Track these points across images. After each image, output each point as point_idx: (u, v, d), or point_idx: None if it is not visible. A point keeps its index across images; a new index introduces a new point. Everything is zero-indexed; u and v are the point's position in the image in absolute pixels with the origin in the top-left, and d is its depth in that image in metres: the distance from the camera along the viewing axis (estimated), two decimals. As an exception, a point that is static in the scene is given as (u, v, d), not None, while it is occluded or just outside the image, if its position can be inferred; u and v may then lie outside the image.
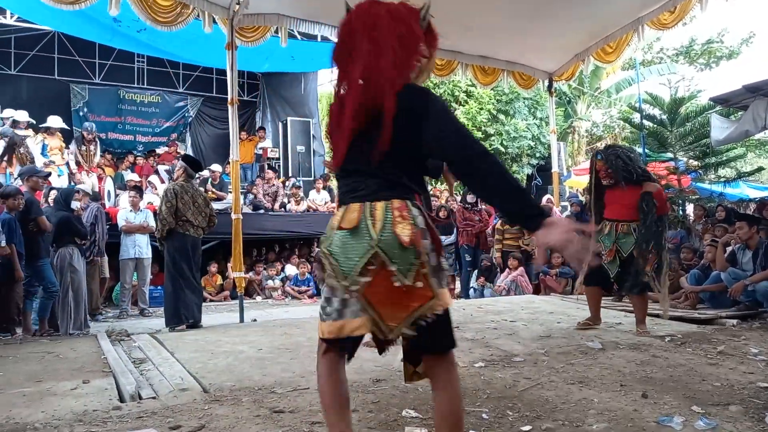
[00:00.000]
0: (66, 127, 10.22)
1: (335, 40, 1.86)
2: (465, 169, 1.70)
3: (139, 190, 8.94)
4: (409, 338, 1.74)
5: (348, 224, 1.71)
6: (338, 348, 1.83)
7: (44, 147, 9.26)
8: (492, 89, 14.55)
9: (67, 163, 9.63)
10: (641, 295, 4.72)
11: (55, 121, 9.60)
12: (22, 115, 9.23)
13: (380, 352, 1.90)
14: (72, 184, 8.69)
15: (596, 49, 8.24)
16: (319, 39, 10.75)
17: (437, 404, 1.79)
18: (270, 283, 9.89)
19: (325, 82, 16.20)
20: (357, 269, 1.68)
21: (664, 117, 9.89)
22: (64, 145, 9.78)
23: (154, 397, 3.10)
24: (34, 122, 9.49)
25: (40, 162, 8.52)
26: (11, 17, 10.82)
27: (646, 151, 9.97)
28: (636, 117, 10.76)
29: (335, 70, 1.87)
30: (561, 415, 2.68)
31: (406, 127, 1.72)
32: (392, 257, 1.66)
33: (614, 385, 3.16)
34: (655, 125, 10.06)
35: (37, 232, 5.83)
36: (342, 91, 1.82)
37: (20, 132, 8.91)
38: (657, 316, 5.42)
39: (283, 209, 10.83)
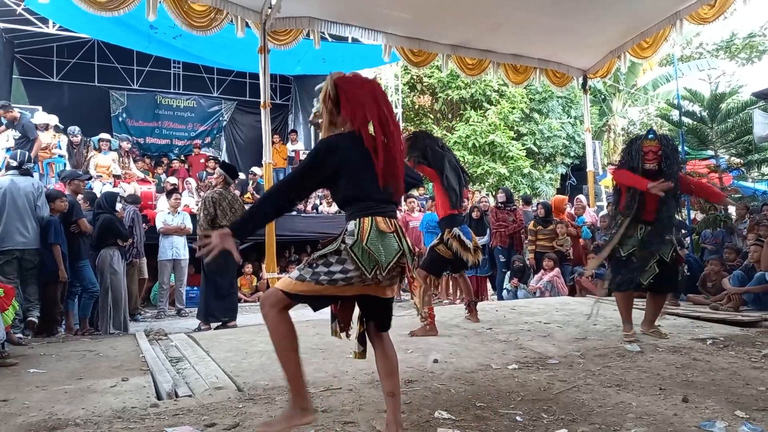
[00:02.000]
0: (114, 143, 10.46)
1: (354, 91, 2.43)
2: None
3: (177, 192, 9.12)
4: (375, 320, 2.48)
5: (386, 229, 2.36)
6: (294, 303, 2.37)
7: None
8: (524, 88, 14.39)
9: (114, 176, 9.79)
10: (665, 295, 4.54)
11: (106, 136, 9.86)
12: (50, 119, 9.53)
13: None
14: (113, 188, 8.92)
15: (632, 45, 8.06)
16: (350, 40, 10.79)
17: (388, 359, 2.48)
18: (303, 284, 9.97)
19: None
20: (393, 261, 2.33)
21: (704, 113, 9.59)
22: (113, 164, 9.81)
23: (190, 396, 3.16)
24: (60, 125, 9.80)
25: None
26: (53, 26, 11.19)
27: (686, 148, 9.68)
28: (674, 114, 10.49)
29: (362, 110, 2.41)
30: (597, 419, 2.62)
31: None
32: (408, 257, 2.41)
33: (653, 389, 3.07)
34: (695, 122, 9.77)
35: (79, 233, 6.01)
36: (383, 139, 2.40)
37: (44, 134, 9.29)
38: (697, 318, 5.28)
39: (314, 211, 10.91)
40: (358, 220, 2.35)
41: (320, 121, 2.63)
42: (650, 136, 4.47)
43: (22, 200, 5.40)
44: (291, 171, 2.51)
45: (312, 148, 2.58)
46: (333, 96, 2.46)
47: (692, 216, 9.32)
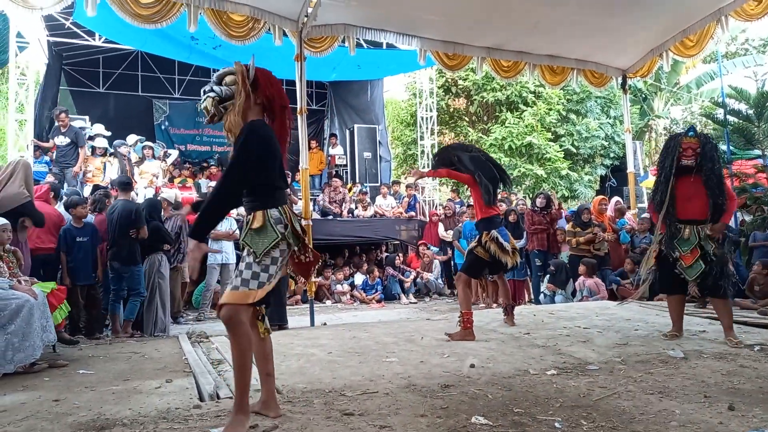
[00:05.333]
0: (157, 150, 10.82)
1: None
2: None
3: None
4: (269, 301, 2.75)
5: (257, 224, 2.59)
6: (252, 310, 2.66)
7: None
8: (562, 88, 14.18)
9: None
10: (725, 299, 4.44)
11: (150, 144, 10.24)
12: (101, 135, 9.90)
13: (268, 306, 2.84)
14: (155, 194, 9.20)
15: (674, 43, 7.84)
16: (384, 46, 10.85)
17: (266, 343, 2.80)
18: (339, 287, 10.05)
19: (391, 88, 16.33)
20: (267, 249, 2.57)
21: (751, 112, 9.27)
22: (160, 171, 10.22)
23: (230, 397, 3.21)
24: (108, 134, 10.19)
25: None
26: (99, 39, 11.61)
27: (731, 148, 9.37)
28: (719, 113, 10.17)
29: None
30: (639, 427, 2.57)
31: None
32: (293, 242, 2.67)
33: (698, 396, 3.00)
34: (741, 121, 9.46)
35: (135, 239, 6.22)
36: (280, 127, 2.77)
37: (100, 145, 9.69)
38: (744, 323, 5.12)
39: (350, 215, 10.98)
40: (280, 208, 2.64)
41: (217, 106, 2.70)
42: (690, 133, 4.55)
43: None
44: (237, 162, 2.56)
45: (250, 134, 2.60)
46: (252, 79, 2.70)
47: (739, 218, 9.01)
